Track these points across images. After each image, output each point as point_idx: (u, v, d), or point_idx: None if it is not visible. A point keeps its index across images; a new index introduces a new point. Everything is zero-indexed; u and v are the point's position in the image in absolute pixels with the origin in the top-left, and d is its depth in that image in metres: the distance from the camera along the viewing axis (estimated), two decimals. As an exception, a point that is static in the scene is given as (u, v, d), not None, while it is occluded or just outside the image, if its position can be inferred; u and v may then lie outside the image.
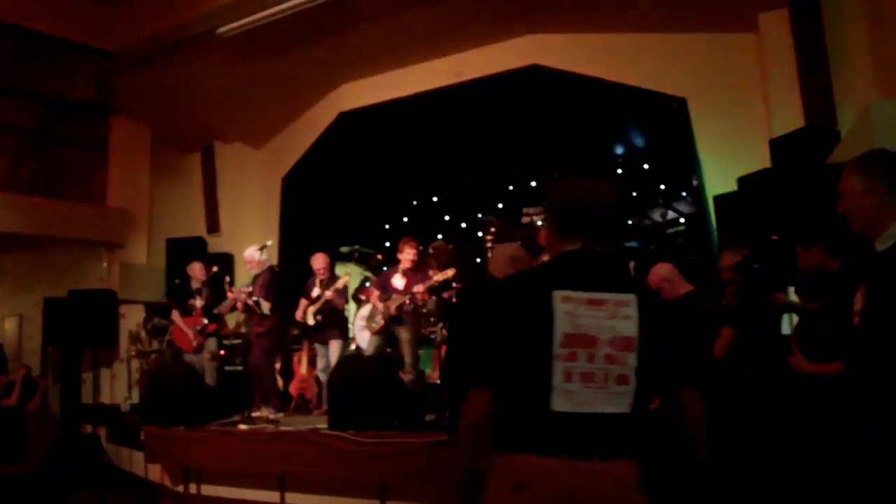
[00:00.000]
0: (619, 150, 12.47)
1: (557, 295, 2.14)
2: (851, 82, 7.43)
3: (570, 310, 2.13)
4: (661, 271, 5.45)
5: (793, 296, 5.34)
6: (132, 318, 10.96)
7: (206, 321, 8.98)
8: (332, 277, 8.59)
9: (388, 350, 8.25)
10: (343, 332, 8.59)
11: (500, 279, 4.69)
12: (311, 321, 8.34)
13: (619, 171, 12.59)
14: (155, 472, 7.44)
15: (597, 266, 2.25)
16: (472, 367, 2.32)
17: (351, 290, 9.50)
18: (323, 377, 8.33)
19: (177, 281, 10.27)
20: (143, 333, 10.65)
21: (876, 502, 2.81)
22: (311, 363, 9.01)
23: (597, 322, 2.12)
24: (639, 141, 12.09)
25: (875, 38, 6.80)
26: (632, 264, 8.15)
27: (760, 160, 7.30)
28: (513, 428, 2.16)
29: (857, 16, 7.17)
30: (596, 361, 2.10)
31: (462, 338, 5.25)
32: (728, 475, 4.21)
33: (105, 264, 11.36)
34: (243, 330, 9.11)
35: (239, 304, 8.52)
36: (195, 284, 9.22)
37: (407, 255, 7.91)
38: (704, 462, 2.46)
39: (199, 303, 9.10)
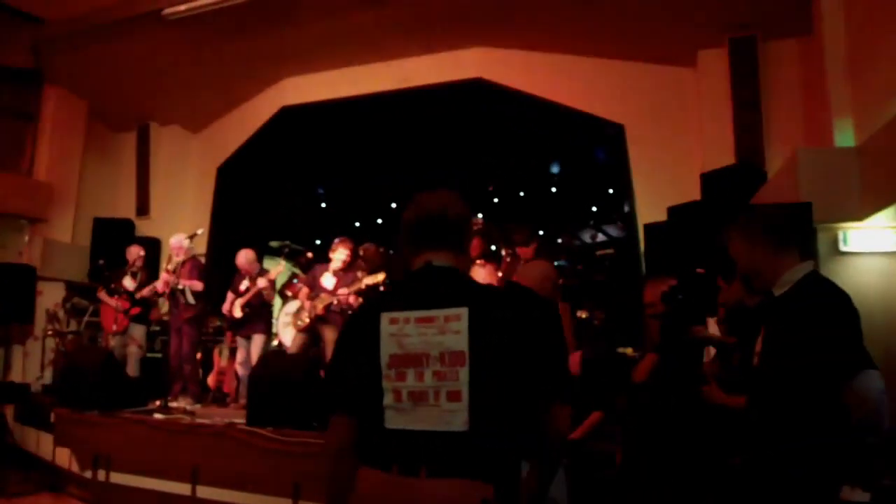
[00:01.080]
0: (555, 170, 12.70)
1: (384, 317, 2.16)
2: (781, 126, 7.76)
3: (395, 331, 2.14)
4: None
5: (713, 327, 5.55)
6: (51, 296, 10.68)
7: (131, 304, 8.86)
8: (262, 271, 8.56)
9: (313, 349, 8.24)
10: (267, 327, 8.57)
11: None
12: (238, 313, 8.28)
13: (553, 189, 12.82)
14: (63, 457, 7.27)
15: (433, 282, 2.22)
16: (328, 394, 2.32)
17: (278, 286, 9.47)
18: (241, 371, 8.28)
19: (100, 261, 10.06)
20: (61, 313, 10.40)
21: None
22: (232, 355, 8.95)
23: (425, 339, 2.10)
24: (575, 162, 12.33)
25: (806, 86, 7.12)
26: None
27: (692, 192, 7.52)
28: (361, 444, 2.18)
29: (791, 63, 7.50)
30: (425, 380, 2.08)
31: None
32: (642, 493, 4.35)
33: (26, 238, 11.03)
34: (165, 318, 8.98)
35: (162, 288, 8.42)
36: (130, 267, 9.08)
37: (339, 255, 7.91)
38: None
39: (128, 284, 8.97)
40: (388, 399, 2.11)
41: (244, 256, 8.46)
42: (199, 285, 8.36)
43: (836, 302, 2.77)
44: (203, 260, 9.23)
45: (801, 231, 2.74)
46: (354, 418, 2.20)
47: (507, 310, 2.14)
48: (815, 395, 2.67)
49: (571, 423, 2.94)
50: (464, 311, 2.09)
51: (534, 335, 2.13)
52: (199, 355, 9.22)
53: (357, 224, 14.40)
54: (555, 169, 12.78)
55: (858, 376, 2.60)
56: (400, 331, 2.13)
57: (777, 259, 2.89)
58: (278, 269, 8.65)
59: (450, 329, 2.08)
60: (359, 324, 2.30)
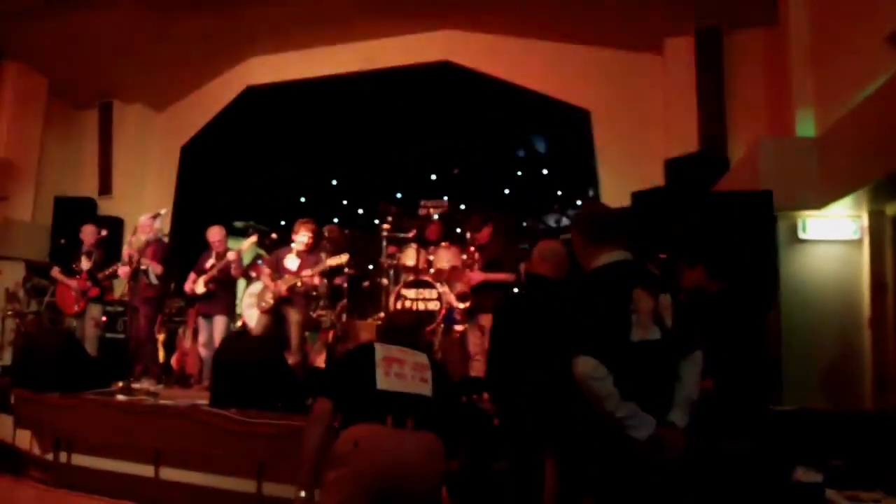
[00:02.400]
0: (521, 153, 12.74)
1: (377, 345, 3.50)
2: (744, 114, 7.87)
3: (384, 349, 3.46)
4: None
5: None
6: (11, 275, 10.51)
7: (89, 284, 8.74)
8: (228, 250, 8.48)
9: (277, 330, 8.22)
10: (230, 309, 8.48)
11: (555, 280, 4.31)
12: (200, 289, 8.18)
13: (519, 173, 12.86)
14: (24, 439, 7.19)
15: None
16: (323, 384, 3.76)
17: (245, 263, 9.39)
18: (204, 352, 8.23)
19: (62, 241, 9.93)
20: (21, 293, 10.24)
21: None
22: (195, 336, 8.88)
23: (403, 352, 3.46)
24: (541, 146, 12.38)
25: (769, 76, 7.21)
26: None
27: (655, 177, 7.61)
28: (352, 411, 3.24)
29: (756, 53, 7.60)
30: (405, 368, 3.34)
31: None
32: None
33: (-16, 217, 10.85)
34: (126, 298, 8.86)
35: (125, 271, 8.32)
36: (85, 247, 8.96)
37: (302, 238, 7.85)
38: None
39: (84, 265, 8.84)
40: (379, 375, 3.25)
41: (217, 232, 8.35)
42: (158, 269, 8.26)
43: (575, 293, 3.15)
44: (167, 241, 9.12)
45: (615, 229, 3.13)
46: (332, 401, 3.33)
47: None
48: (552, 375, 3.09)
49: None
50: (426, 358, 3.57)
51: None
52: (161, 336, 9.16)
53: (321, 206, 14.33)
54: (520, 153, 12.82)
55: (574, 360, 2.83)
56: (388, 349, 3.44)
57: (589, 251, 3.17)
58: (251, 240, 8.53)
59: (418, 355, 3.55)
60: (358, 353, 3.58)
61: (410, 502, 3.11)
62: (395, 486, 3.03)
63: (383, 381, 3.23)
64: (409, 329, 3.72)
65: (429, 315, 8.25)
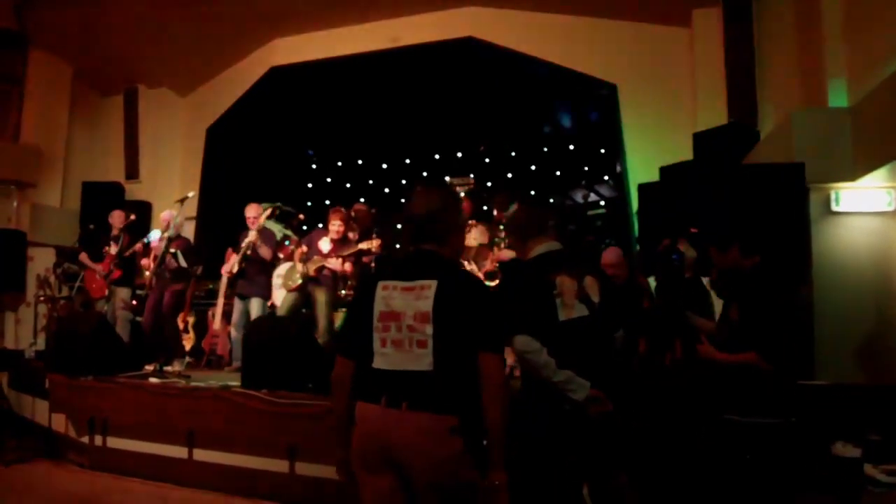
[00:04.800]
0: (547, 129, 12.65)
1: (379, 285, 2.91)
2: (775, 86, 7.72)
3: (385, 295, 2.88)
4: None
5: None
6: (41, 261, 10.65)
7: (113, 268, 8.84)
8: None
9: (304, 311, 8.24)
10: (264, 291, 8.45)
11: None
12: (234, 268, 8.23)
13: (545, 149, 12.78)
14: (59, 422, 7.29)
15: (417, 261, 2.96)
16: (338, 340, 3.31)
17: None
18: (234, 333, 8.28)
19: (91, 226, 10.01)
20: (52, 278, 10.35)
21: (777, 486, 3.20)
22: (226, 318, 8.93)
23: (405, 302, 2.82)
24: (567, 122, 12.28)
25: (801, 47, 7.07)
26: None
27: (684, 152, 7.50)
28: (357, 383, 2.94)
29: (786, 24, 7.43)
30: (402, 331, 2.80)
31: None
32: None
33: (15, 204, 10.95)
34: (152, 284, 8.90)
35: (146, 262, 8.38)
36: (114, 232, 9.04)
37: (333, 226, 7.88)
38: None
39: (112, 249, 8.93)
40: (376, 345, 2.85)
41: (253, 209, 8.33)
42: (172, 264, 8.32)
43: (510, 281, 3.73)
44: (191, 240, 9.19)
45: (537, 226, 3.74)
46: (351, 360, 2.99)
47: (459, 284, 2.86)
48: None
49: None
50: (433, 283, 2.82)
51: (470, 302, 2.80)
52: (191, 319, 9.21)
53: (348, 185, 14.33)
54: (546, 129, 12.73)
55: (513, 339, 3.33)
56: (389, 295, 2.88)
57: (522, 247, 3.78)
58: (265, 214, 8.39)
59: (423, 295, 2.81)
60: (362, 289, 3.07)
61: (421, 486, 2.71)
62: (397, 466, 2.73)
63: (378, 359, 2.82)
64: (426, 219, 2.99)
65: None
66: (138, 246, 8.96)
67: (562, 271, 3.47)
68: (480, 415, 2.72)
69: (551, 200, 12.85)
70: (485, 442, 2.75)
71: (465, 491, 2.70)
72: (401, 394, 2.72)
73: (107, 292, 8.93)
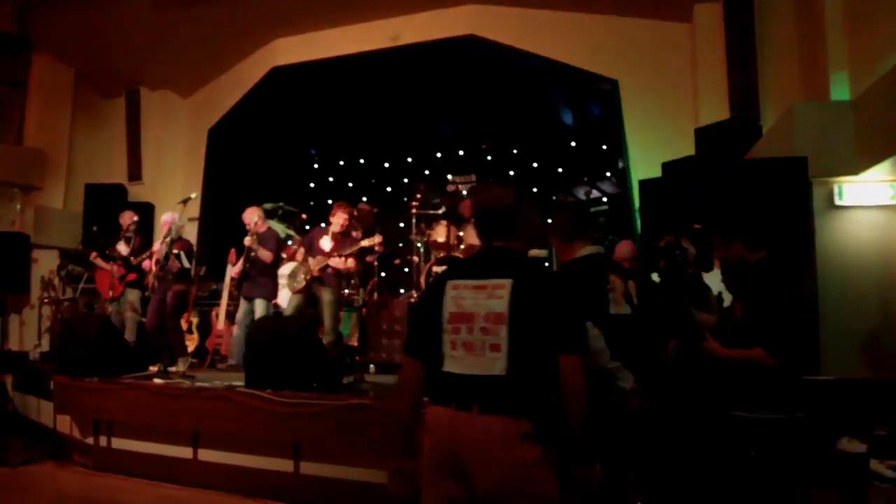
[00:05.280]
0: (549, 126, 12.62)
1: (449, 284, 2.79)
2: (776, 80, 7.70)
3: (455, 295, 2.74)
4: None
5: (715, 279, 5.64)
6: (45, 263, 10.68)
7: (127, 269, 8.83)
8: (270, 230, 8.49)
9: (309, 311, 8.24)
10: (269, 292, 8.43)
11: None
12: (237, 270, 8.25)
13: (547, 146, 12.76)
14: (64, 423, 7.31)
15: (489, 259, 2.85)
16: (407, 341, 3.00)
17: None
18: (236, 331, 8.27)
19: (94, 228, 10.01)
20: (56, 280, 10.37)
21: (782, 481, 3.21)
22: (229, 318, 8.93)
23: (476, 302, 2.68)
24: (569, 118, 12.25)
25: (802, 40, 7.05)
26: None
27: (686, 147, 7.48)
28: (429, 385, 2.79)
29: (787, 17, 7.41)
30: (473, 333, 2.65)
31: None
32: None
33: (19, 206, 11.00)
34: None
35: (148, 264, 8.36)
36: (124, 233, 9.02)
37: (338, 220, 7.85)
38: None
39: (122, 248, 8.89)
40: (445, 348, 2.70)
41: (248, 214, 8.33)
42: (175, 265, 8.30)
43: (563, 277, 3.73)
44: (192, 243, 9.15)
45: (582, 229, 3.97)
46: (420, 361, 2.83)
47: (537, 282, 2.69)
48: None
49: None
50: (508, 282, 2.66)
51: (551, 302, 2.64)
52: (195, 319, 9.21)
53: (350, 184, 14.31)
54: (548, 125, 12.70)
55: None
56: (459, 294, 2.74)
57: (565, 248, 3.92)
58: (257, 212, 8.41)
59: (496, 295, 2.65)
60: (431, 289, 2.94)
61: (485, 495, 2.53)
62: (465, 473, 2.56)
63: (448, 362, 2.67)
64: (503, 217, 2.88)
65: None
66: (146, 260, 8.86)
67: (612, 271, 3.79)
68: (556, 421, 2.58)
69: (554, 198, 12.83)
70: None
71: None
72: (472, 398, 2.57)
73: (119, 293, 8.91)
